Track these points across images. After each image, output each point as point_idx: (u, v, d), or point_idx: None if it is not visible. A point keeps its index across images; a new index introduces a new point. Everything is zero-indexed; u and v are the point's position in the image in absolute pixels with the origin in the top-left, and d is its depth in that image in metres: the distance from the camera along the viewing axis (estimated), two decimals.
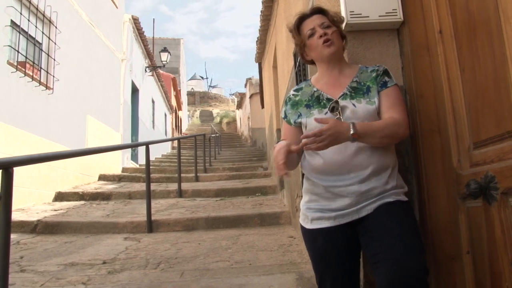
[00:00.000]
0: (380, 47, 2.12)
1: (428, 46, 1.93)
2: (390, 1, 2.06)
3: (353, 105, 1.77)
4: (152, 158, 14.38)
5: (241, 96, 28.91)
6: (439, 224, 1.85)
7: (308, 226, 1.84)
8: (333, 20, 1.86)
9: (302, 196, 1.98)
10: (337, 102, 1.79)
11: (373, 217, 1.70)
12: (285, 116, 1.97)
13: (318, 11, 1.90)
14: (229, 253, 4.01)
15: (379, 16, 2.06)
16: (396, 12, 2.05)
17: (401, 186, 1.79)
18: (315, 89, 1.90)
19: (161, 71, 18.74)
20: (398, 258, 1.54)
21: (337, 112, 1.76)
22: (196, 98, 52.81)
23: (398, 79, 1.99)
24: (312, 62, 1.98)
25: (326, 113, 1.79)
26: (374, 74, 1.83)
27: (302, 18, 1.91)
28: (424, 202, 1.93)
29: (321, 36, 1.82)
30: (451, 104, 1.78)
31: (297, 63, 3.96)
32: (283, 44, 5.48)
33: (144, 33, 14.23)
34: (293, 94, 1.98)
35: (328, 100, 1.83)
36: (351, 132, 1.60)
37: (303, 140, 1.62)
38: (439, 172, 1.86)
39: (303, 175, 3.85)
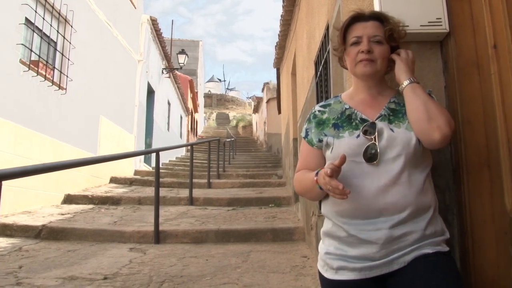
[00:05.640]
0: (420, 61, 1.80)
1: (479, 63, 1.63)
2: (434, 9, 1.76)
3: (391, 130, 1.46)
4: (165, 161, 14.27)
5: (258, 101, 28.69)
6: (486, 278, 1.54)
7: (328, 275, 1.50)
8: (389, 36, 1.52)
9: (317, 215, 1.68)
10: (373, 124, 1.47)
11: (408, 272, 1.37)
12: (306, 135, 1.61)
13: (377, 17, 1.55)
14: (238, 274, 3.74)
15: (421, 26, 1.75)
16: (440, 22, 1.75)
17: (441, 232, 1.46)
18: (346, 106, 1.57)
19: (178, 73, 18.61)
20: None
21: (372, 137, 1.44)
22: (213, 101, 52.87)
23: (440, 101, 1.69)
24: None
25: (358, 136, 1.47)
26: None
27: (355, 19, 1.56)
28: (467, 250, 1.62)
29: (362, 52, 1.50)
30: (505, 134, 1.48)
31: (318, 73, 3.68)
32: (304, 51, 5.21)
33: (162, 35, 14.08)
34: (319, 111, 1.62)
35: (363, 121, 1.50)
36: None
37: None
38: (487, 214, 1.55)
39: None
